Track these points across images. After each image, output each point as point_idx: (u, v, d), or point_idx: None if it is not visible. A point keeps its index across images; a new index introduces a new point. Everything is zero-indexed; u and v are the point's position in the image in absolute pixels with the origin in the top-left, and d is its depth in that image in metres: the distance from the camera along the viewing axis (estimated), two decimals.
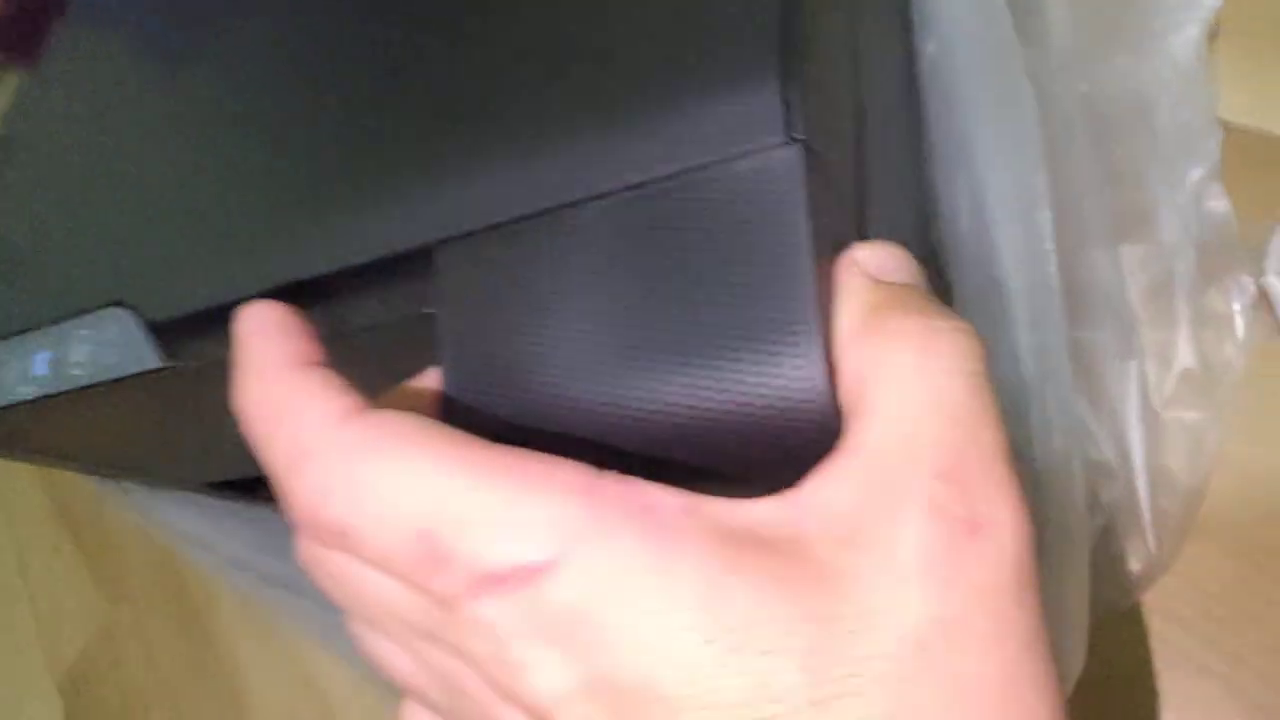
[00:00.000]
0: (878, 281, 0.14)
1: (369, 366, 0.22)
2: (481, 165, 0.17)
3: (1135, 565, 0.23)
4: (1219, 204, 0.26)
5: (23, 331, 0.25)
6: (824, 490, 0.12)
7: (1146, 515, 0.23)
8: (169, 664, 0.42)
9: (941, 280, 0.25)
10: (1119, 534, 0.24)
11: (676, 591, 0.11)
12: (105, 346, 0.23)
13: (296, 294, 0.20)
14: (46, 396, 0.24)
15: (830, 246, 0.14)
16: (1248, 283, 0.26)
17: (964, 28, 0.24)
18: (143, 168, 0.26)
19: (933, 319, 0.13)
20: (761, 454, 0.14)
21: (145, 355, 0.22)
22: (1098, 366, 0.25)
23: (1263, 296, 0.25)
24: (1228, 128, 0.27)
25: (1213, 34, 0.28)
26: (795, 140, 0.14)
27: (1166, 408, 0.25)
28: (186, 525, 0.34)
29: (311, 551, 0.15)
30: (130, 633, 0.45)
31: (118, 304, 0.23)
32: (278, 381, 0.15)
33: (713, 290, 0.14)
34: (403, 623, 0.14)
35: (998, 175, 0.22)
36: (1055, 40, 0.27)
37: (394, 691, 0.17)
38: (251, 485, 0.37)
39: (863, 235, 0.17)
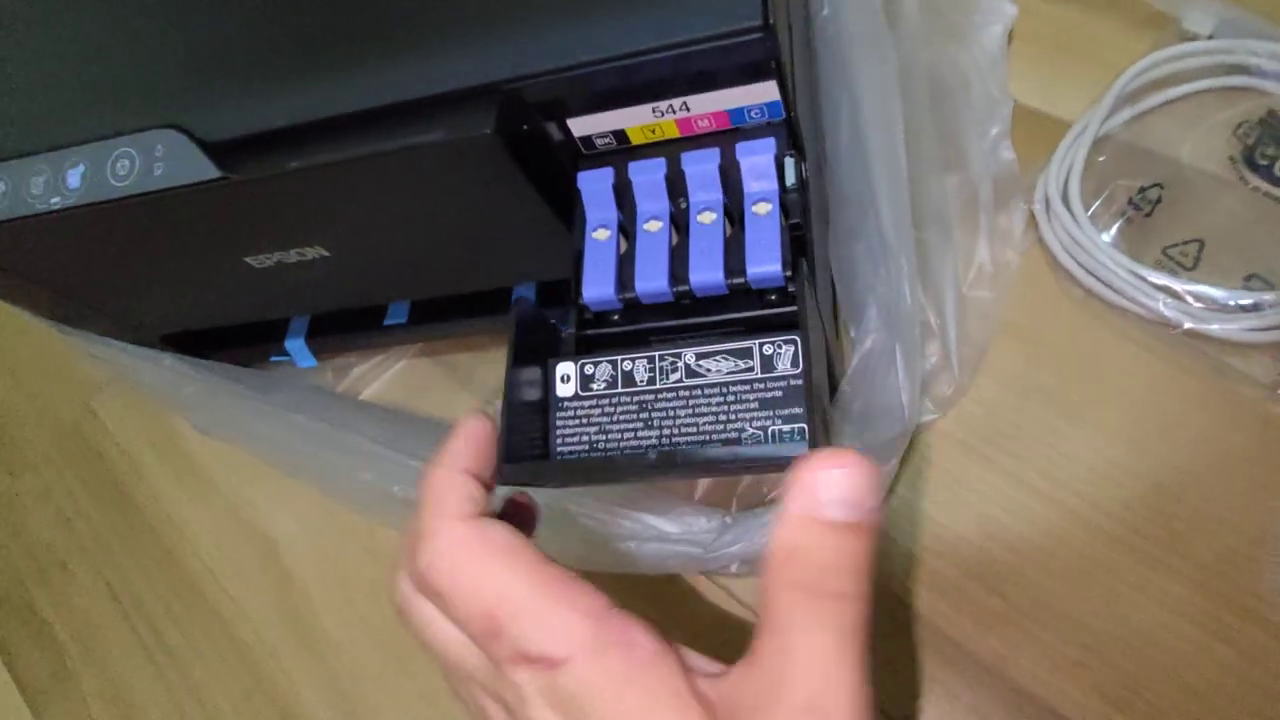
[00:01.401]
0: (834, 529, 0.17)
1: (432, 178, 0.26)
2: (542, 18, 0.23)
3: (946, 389, 0.33)
4: (1008, 154, 0.37)
5: (56, 149, 0.27)
6: (742, 680, 0.17)
7: (954, 359, 0.33)
8: (87, 527, 0.43)
9: (829, 184, 0.33)
10: (937, 371, 0.33)
11: (646, 700, 0.17)
12: (153, 162, 0.26)
13: (361, 120, 0.25)
14: (78, 206, 0.27)
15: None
16: (1024, 208, 0.36)
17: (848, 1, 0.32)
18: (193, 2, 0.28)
19: (846, 615, 0.17)
20: None
21: (202, 168, 0.25)
22: (930, 259, 0.35)
23: (1031, 218, 0.36)
24: (1018, 104, 0.38)
25: (1012, 35, 0.39)
26: (769, 28, 0.21)
27: (970, 289, 0.35)
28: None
29: (409, 596, 0.21)
30: (37, 500, 0.44)
31: (171, 126, 0.26)
32: (444, 473, 0.21)
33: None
34: (461, 667, 0.20)
35: (869, 104, 0.31)
36: (908, 25, 0.36)
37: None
38: (199, 346, 0.39)
39: (800, 138, 0.25)
